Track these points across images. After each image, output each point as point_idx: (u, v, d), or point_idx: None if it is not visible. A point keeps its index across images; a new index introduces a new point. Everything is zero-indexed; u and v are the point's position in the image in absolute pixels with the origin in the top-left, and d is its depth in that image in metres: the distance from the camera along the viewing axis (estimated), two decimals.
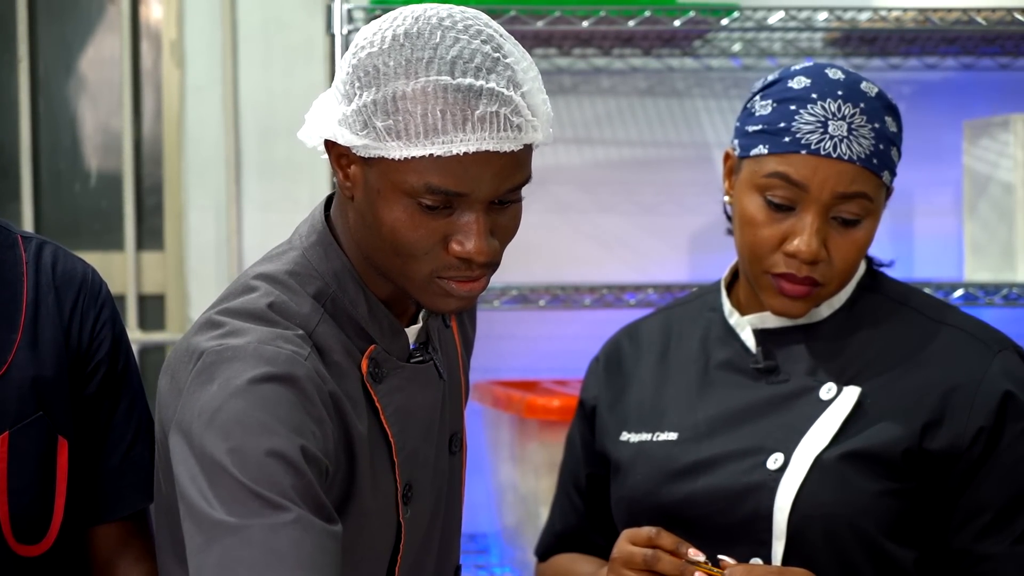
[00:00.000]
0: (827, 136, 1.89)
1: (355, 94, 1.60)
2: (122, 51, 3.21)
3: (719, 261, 3.12)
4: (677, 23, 2.72)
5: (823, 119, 1.90)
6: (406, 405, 1.70)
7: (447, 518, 1.81)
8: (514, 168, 1.60)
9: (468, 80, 1.56)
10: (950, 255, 3.10)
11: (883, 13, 2.76)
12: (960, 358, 1.93)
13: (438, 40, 1.58)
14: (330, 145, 1.65)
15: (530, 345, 3.10)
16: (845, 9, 2.75)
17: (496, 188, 1.59)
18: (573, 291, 2.79)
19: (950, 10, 2.75)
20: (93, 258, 3.19)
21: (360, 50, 1.62)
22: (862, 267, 2.03)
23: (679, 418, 2.01)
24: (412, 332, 1.74)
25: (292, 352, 1.58)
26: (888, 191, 1.97)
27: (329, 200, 1.75)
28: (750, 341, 2.01)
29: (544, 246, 3.11)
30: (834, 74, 1.94)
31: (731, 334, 2.04)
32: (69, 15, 3.26)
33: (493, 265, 1.65)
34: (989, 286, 2.82)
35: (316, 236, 1.70)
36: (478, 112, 1.56)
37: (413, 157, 1.56)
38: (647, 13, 2.70)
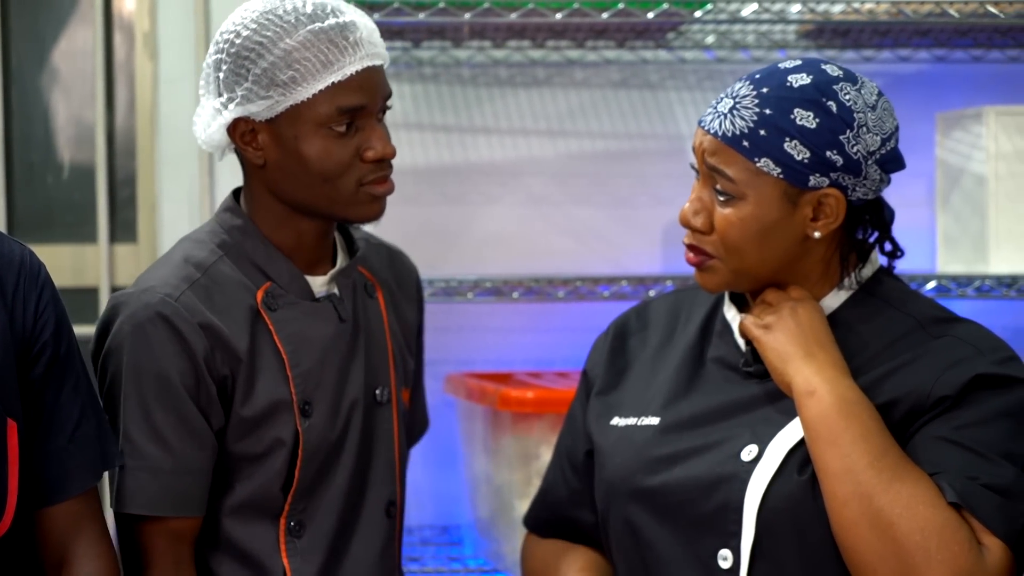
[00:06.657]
0: (712, 111, 1.95)
1: (244, 75, 1.97)
2: (95, 43, 3.21)
3: None
4: (650, 15, 2.72)
5: (722, 97, 1.95)
6: (301, 332, 2.05)
7: (375, 455, 2.12)
8: (385, 80, 2.03)
9: (332, 20, 1.97)
10: (923, 247, 3.10)
11: (856, 5, 2.76)
12: (949, 358, 1.89)
13: (289, 5, 1.98)
14: (233, 129, 2.00)
15: (504, 337, 3.10)
16: (818, 1, 2.75)
17: (382, 97, 2.02)
18: (547, 283, 2.79)
19: (923, 2, 2.75)
20: (66, 250, 3.21)
21: (224, 52, 1.99)
22: (870, 269, 1.99)
23: (666, 406, 2.01)
24: (318, 281, 2.08)
25: (163, 296, 1.97)
26: (788, 183, 1.90)
27: (236, 192, 2.11)
28: (741, 340, 2.01)
29: (518, 238, 3.11)
30: (788, 64, 1.95)
31: (728, 329, 2.04)
32: (42, 7, 3.25)
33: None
34: (961, 278, 2.82)
35: (225, 205, 2.09)
36: (352, 39, 1.97)
37: (321, 90, 1.96)
38: (620, 5, 2.70)
